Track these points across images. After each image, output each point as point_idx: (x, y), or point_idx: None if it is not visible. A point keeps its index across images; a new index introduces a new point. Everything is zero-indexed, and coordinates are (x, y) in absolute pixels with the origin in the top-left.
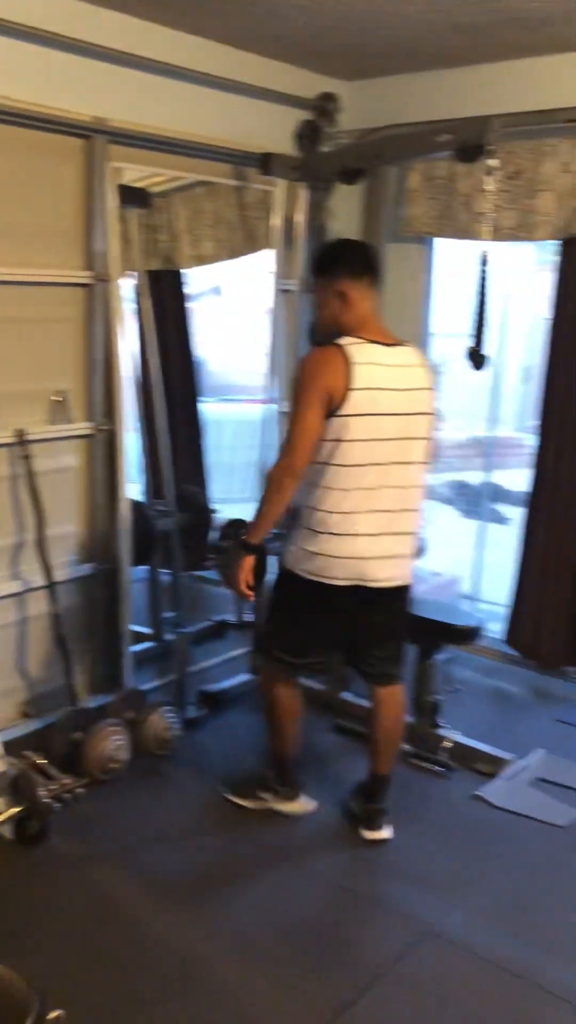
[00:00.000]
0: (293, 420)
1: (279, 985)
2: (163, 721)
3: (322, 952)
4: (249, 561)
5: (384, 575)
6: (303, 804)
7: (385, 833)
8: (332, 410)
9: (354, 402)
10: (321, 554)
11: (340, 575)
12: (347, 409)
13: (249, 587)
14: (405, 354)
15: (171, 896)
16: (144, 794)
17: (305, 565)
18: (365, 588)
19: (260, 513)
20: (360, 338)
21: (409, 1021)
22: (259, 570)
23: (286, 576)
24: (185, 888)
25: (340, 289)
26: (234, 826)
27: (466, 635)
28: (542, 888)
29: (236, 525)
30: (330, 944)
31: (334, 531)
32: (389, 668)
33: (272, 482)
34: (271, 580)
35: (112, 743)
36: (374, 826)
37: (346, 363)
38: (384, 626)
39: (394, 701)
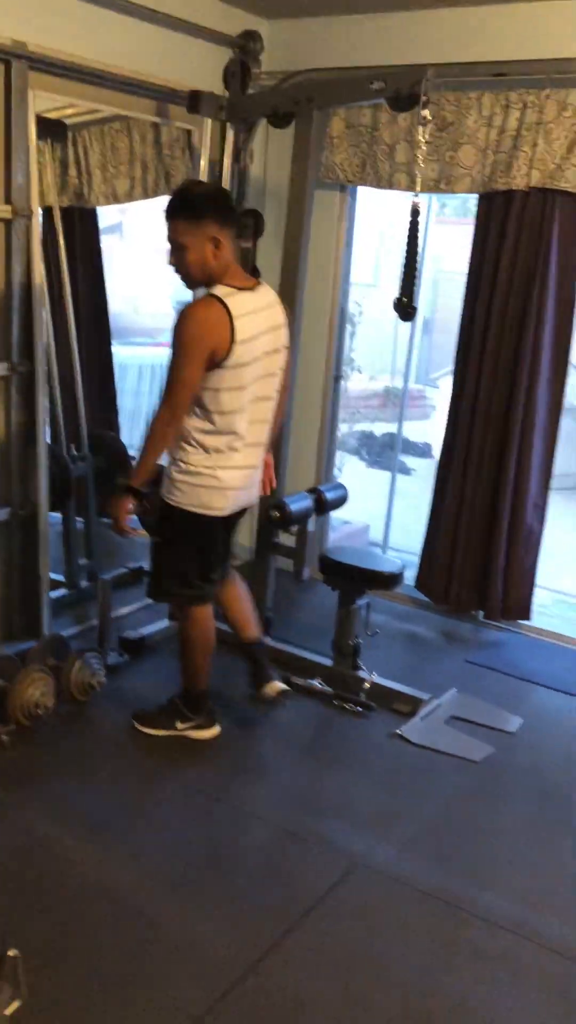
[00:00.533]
0: (175, 374)
1: (213, 919)
2: (87, 667)
3: (253, 886)
4: (128, 501)
5: (248, 499)
6: (217, 730)
7: (281, 685)
8: (215, 362)
9: (237, 354)
10: (203, 487)
11: (219, 505)
12: (230, 361)
13: (133, 527)
14: (264, 294)
15: (101, 835)
16: (69, 738)
17: (189, 500)
18: (235, 513)
19: (143, 460)
20: (230, 286)
21: (344, 950)
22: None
23: (171, 512)
24: (114, 827)
25: (212, 234)
26: (157, 765)
27: (389, 581)
28: (460, 819)
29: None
30: (260, 878)
31: (213, 466)
32: (230, 569)
33: (154, 431)
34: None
35: (36, 689)
36: (267, 680)
37: (228, 318)
38: (233, 540)
39: (236, 583)
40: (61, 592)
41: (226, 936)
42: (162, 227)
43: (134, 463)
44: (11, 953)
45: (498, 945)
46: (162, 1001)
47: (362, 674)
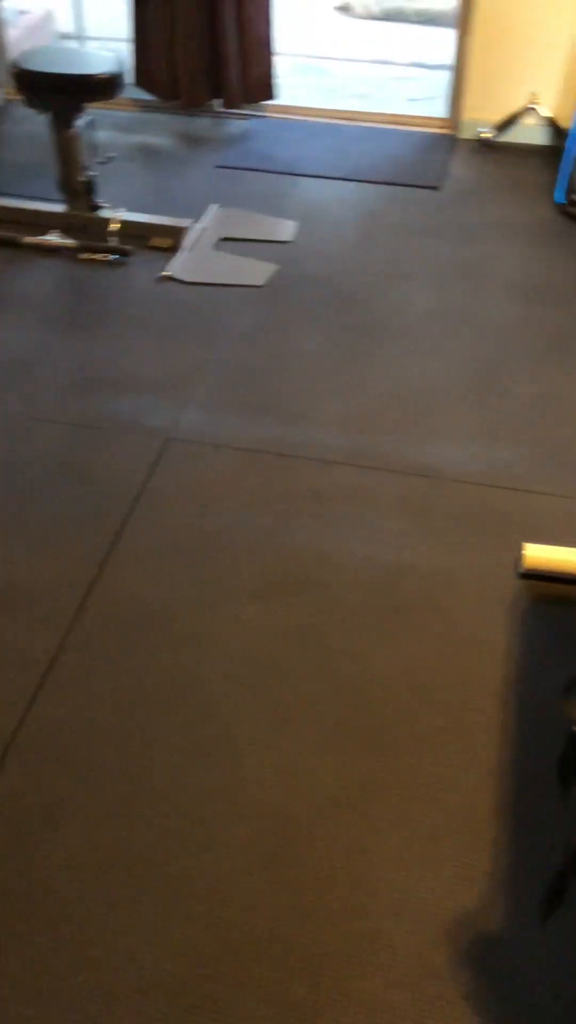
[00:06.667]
0: None
1: (30, 554)
2: None
3: (63, 498)
4: None
5: None
6: None
7: None
8: None
9: None
10: None
11: None
12: None
13: None
14: None
15: None
16: None
17: None
18: None
19: None
20: None
21: (181, 534)
22: None
23: None
24: None
25: None
26: None
27: (110, 84)
28: (260, 358)
29: None
30: (68, 487)
31: None
32: None
33: None
34: None
35: None
36: None
37: None
38: None
39: None
40: None
41: (51, 566)
42: None
43: None
44: None
45: (337, 482)
46: (8, 655)
47: (105, 213)
